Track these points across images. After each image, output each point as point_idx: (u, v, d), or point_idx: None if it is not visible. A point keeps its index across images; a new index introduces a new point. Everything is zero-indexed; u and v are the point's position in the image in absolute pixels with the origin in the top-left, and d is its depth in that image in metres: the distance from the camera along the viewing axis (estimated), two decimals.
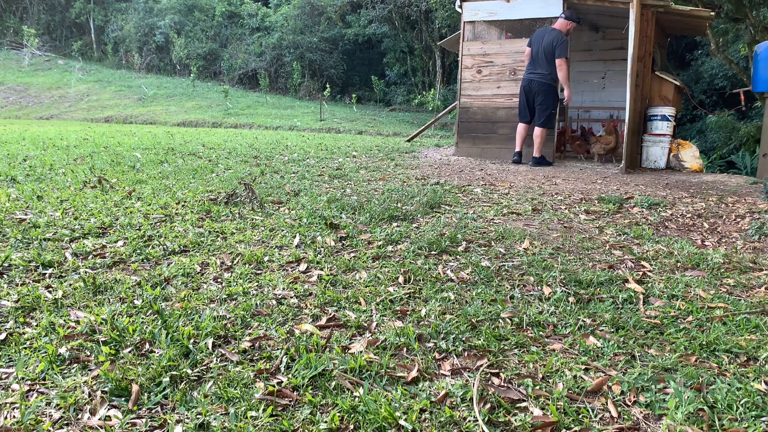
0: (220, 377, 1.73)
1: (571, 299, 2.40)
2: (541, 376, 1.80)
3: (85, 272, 2.51)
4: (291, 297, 2.36)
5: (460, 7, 7.59)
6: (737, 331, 2.12)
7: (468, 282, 2.59)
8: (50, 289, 2.34)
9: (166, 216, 3.50)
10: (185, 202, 3.89)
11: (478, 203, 4.29)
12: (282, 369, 1.79)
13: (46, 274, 2.50)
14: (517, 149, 6.97)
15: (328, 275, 2.61)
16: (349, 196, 4.27)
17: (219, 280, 2.53)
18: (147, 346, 1.90)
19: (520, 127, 6.95)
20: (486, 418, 1.56)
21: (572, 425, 1.55)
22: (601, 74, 9.15)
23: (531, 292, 2.49)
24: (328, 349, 1.92)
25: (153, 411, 1.58)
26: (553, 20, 6.93)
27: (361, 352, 1.89)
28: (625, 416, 1.60)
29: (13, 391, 1.64)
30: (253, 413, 1.56)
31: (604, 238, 3.38)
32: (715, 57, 11.93)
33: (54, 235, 2.99)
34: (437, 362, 1.88)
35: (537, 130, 6.79)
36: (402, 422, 1.52)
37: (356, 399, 1.62)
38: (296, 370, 1.78)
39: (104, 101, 18.19)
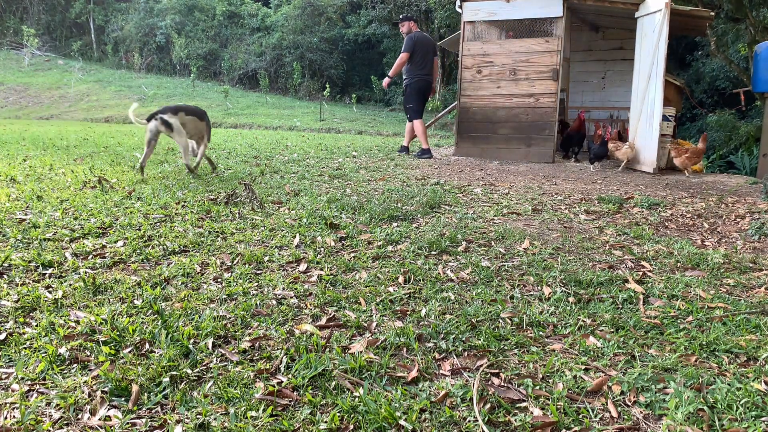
0: (220, 377, 1.73)
1: (571, 299, 2.40)
2: (541, 376, 1.80)
3: (85, 272, 2.51)
4: (291, 297, 2.36)
5: (460, 7, 7.60)
6: (737, 331, 2.12)
7: (468, 282, 2.59)
8: (50, 289, 2.34)
9: (166, 216, 3.50)
10: (185, 202, 3.89)
11: (478, 203, 4.29)
12: (282, 369, 1.79)
13: (46, 274, 2.49)
14: (426, 146, 7.33)
15: (328, 275, 2.61)
16: (349, 196, 4.27)
17: (219, 280, 2.53)
18: (147, 346, 1.90)
19: (422, 124, 7.32)
20: (486, 418, 1.56)
21: (572, 425, 1.55)
22: (601, 74, 9.16)
23: (531, 292, 2.49)
24: (328, 349, 1.92)
25: (153, 411, 1.58)
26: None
27: (361, 352, 1.89)
28: (625, 416, 1.60)
29: (13, 391, 1.64)
30: (253, 413, 1.56)
31: (604, 238, 3.38)
32: (715, 57, 11.93)
33: (54, 235, 2.99)
34: (437, 362, 1.88)
35: (417, 124, 7.31)
36: (402, 422, 1.52)
37: (356, 399, 1.62)
38: (296, 370, 1.78)
39: (104, 101, 18.18)
